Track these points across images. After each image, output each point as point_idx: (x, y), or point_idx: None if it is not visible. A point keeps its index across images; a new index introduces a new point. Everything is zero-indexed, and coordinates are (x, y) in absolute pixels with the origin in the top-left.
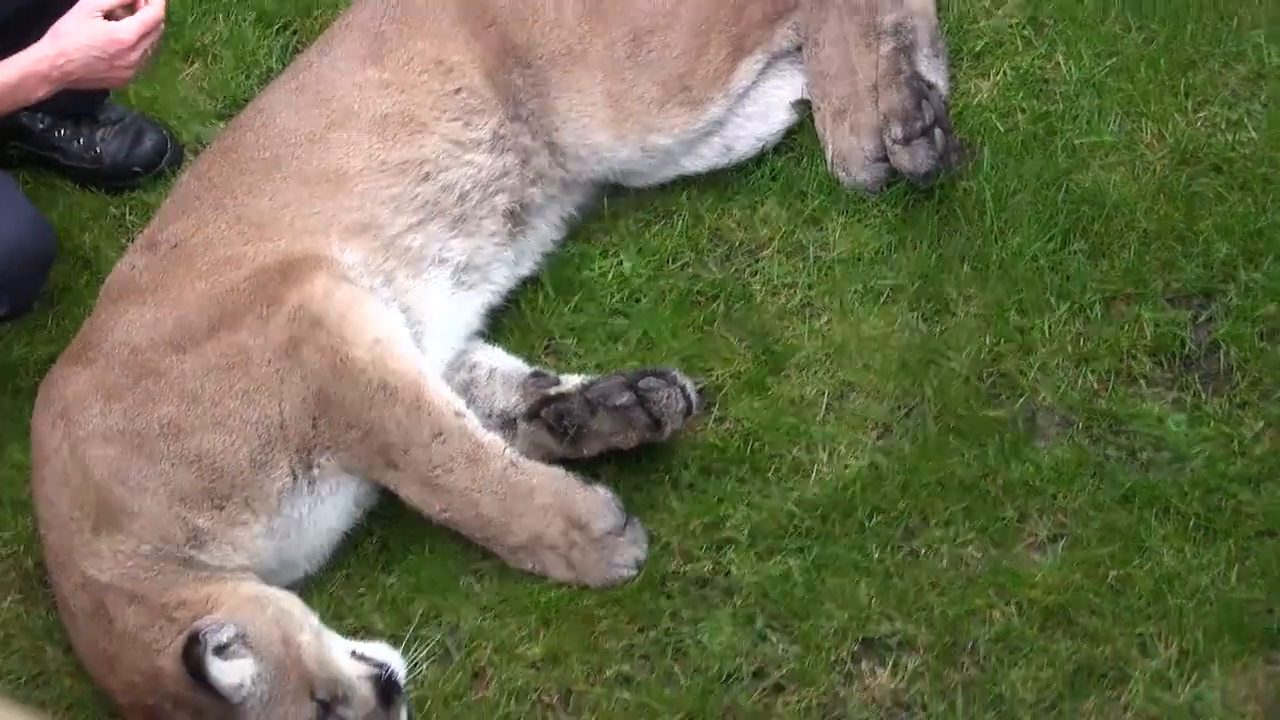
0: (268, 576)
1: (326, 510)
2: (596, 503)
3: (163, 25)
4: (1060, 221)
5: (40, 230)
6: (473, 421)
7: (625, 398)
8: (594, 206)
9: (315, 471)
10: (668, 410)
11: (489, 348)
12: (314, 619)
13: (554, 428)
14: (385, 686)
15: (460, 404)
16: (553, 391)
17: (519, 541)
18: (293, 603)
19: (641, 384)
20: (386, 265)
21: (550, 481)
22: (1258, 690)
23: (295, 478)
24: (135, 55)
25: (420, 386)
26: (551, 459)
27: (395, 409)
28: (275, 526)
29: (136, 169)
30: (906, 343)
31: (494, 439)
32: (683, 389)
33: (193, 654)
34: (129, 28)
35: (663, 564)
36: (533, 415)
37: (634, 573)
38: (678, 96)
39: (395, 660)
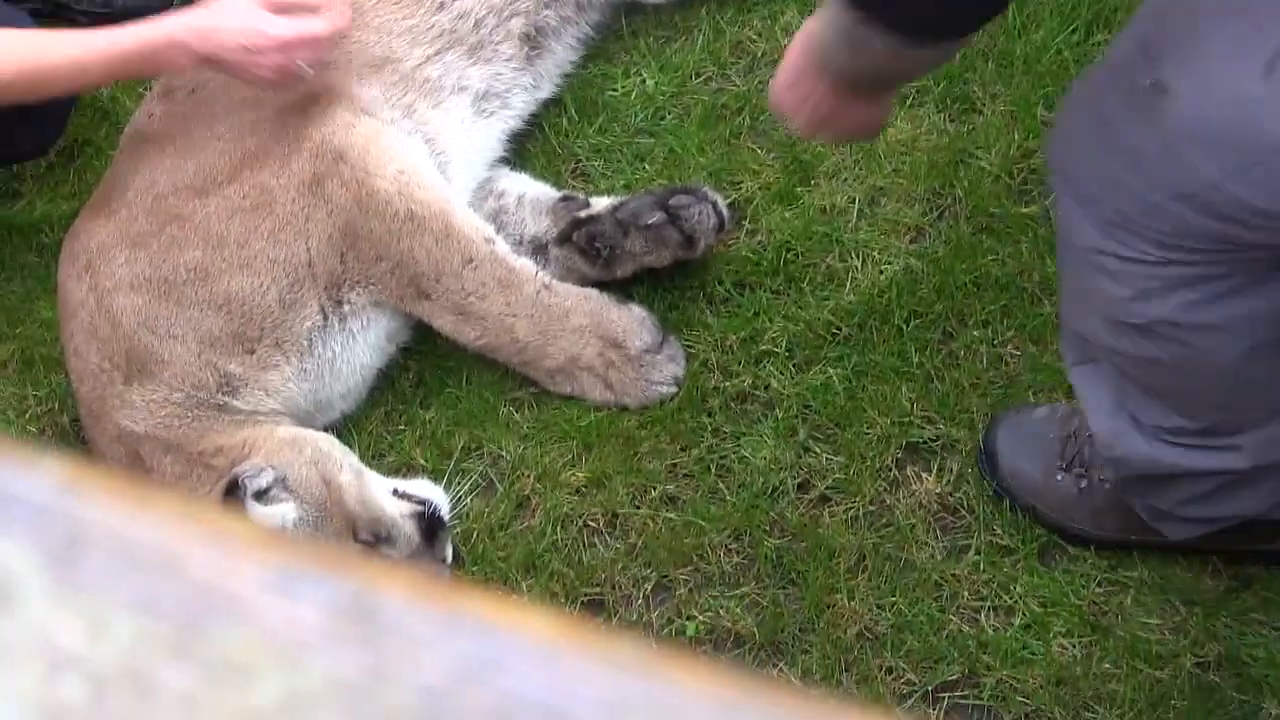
0: (304, 419)
1: (359, 347)
2: (632, 321)
3: (326, 42)
4: (1083, 14)
5: None
6: (503, 247)
7: (656, 216)
8: (612, 26)
9: (346, 308)
10: (700, 227)
11: (516, 174)
12: (354, 459)
13: (586, 250)
14: (430, 523)
15: (490, 230)
16: (583, 214)
17: (556, 364)
18: (331, 444)
19: (672, 202)
20: (406, 98)
21: (584, 302)
22: None
23: (326, 316)
24: (276, 59)
25: (448, 214)
26: (585, 281)
27: (424, 238)
28: (308, 368)
29: (151, 11)
30: (935, 144)
31: (525, 263)
32: (714, 204)
33: (233, 500)
34: (279, 26)
35: (701, 381)
36: (564, 239)
37: (673, 390)
38: None
39: (438, 496)
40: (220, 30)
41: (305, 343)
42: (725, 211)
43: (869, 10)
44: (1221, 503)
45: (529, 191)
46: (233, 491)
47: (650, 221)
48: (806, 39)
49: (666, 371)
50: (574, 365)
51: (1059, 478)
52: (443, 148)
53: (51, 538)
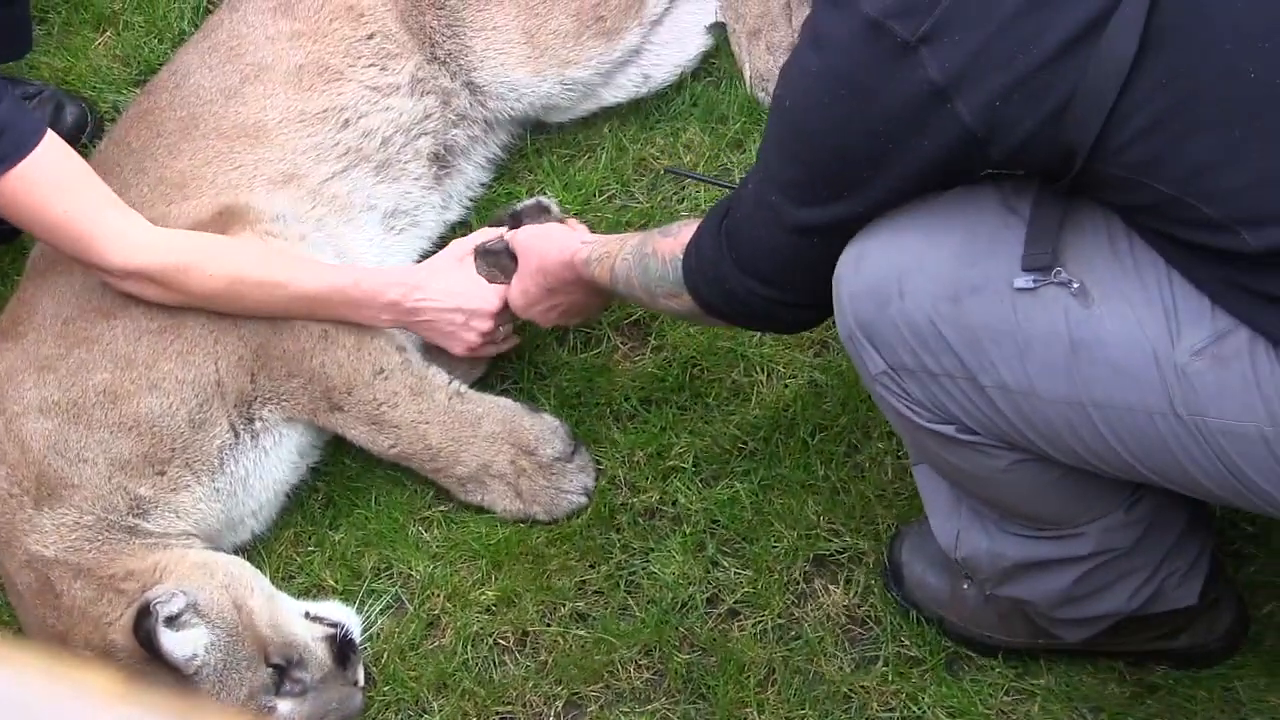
0: (215, 539)
1: (270, 464)
2: (544, 429)
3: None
4: None
5: None
6: (414, 355)
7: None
8: (518, 145)
9: (257, 425)
10: None
11: None
12: (265, 582)
13: None
14: (341, 646)
15: (401, 339)
16: None
17: (468, 471)
18: (243, 567)
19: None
20: (315, 212)
21: (497, 409)
22: None
23: (237, 434)
24: (490, 325)
25: (359, 329)
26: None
27: (336, 353)
28: (220, 486)
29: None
30: None
31: (437, 370)
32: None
33: (144, 627)
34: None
35: (609, 497)
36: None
37: (583, 500)
38: (593, 28)
39: (349, 618)
40: (428, 293)
41: (216, 461)
42: (555, 209)
43: (712, 312)
44: (1093, 602)
45: None
46: (144, 617)
47: (489, 246)
48: (570, 267)
49: (577, 481)
50: (485, 473)
51: (965, 586)
52: (355, 262)
53: None
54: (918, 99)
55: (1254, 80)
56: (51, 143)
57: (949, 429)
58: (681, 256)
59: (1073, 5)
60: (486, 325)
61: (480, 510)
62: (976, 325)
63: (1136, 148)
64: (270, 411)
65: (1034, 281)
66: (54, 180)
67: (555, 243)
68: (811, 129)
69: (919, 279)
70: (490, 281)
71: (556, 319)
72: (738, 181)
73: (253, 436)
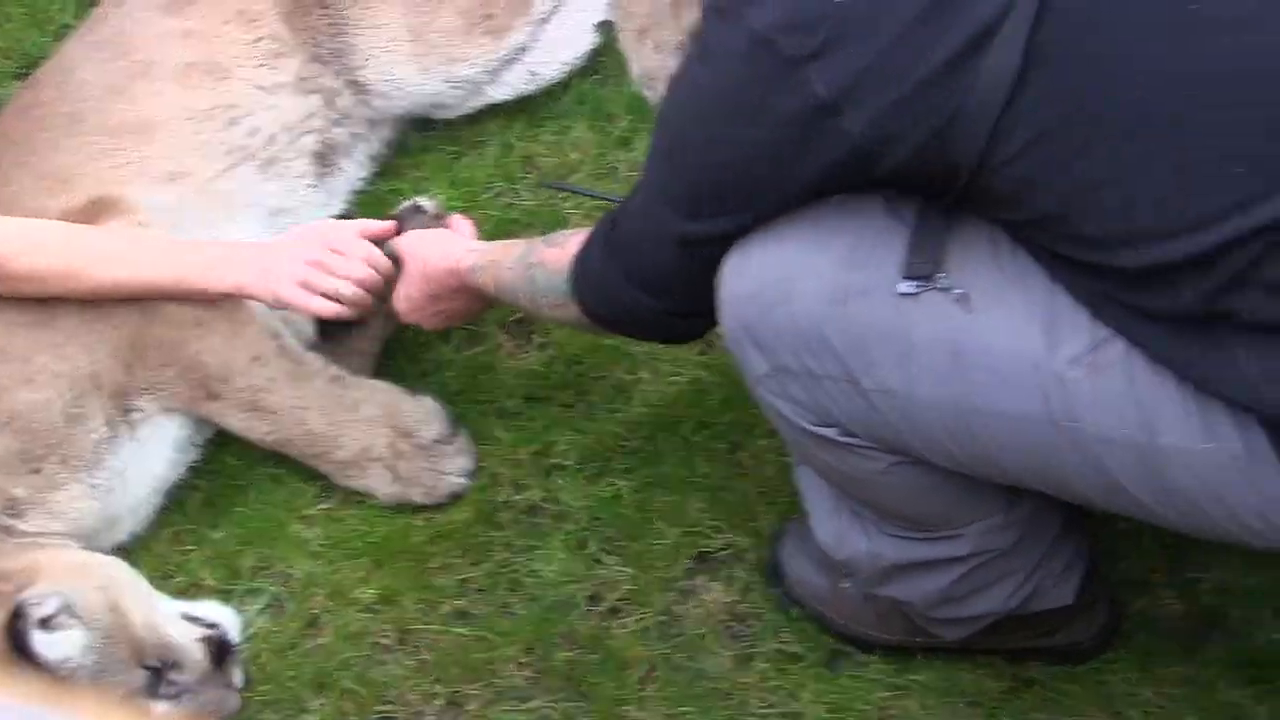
0: (92, 538)
1: (148, 458)
2: (424, 411)
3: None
4: None
5: None
6: (290, 341)
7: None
8: (403, 142)
9: (134, 416)
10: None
11: None
12: (142, 582)
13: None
14: (219, 647)
15: (277, 325)
16: None
17: (347, 456)
18: (119, 567)
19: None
20: (201, 211)
21: (375, 393)
22: None
23: (113, 426)
24: (300, 277)
25: (234, 314)
26: (369, 364)
27: (212, 340)
28: (97, 483)
29: None
30: None
31: (314, 356)
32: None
33: (16, 629)
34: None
35: (492, 494)
36: (322, 326)
37: (463, 482)
38: (480, 25)
39: (227, 619)
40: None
41: (93, 457)
42: (431, 208)
43: (599, 322)
44: (971, 602)
45: None
46: (17, 619)
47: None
48: (454, 275)
49: (456, 463)
50: (365, 456)
51: (845, 585)
52: None
53: None
54: (805, 114)
55: (1134, 100)
56: None
57: (830, 432)
58: (569, 267)
59: (958, 22)
60: (313, 250)
61: (363, 506)
62: (860, 329)
63: (1019, 164)
64: (147, 403)
65: (917, 287)
66: None
67: (440, 249)
68: (697, 143)
69: (804, 282)
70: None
71: (441, 324)
72: (618, 193)
73: (130, 429)
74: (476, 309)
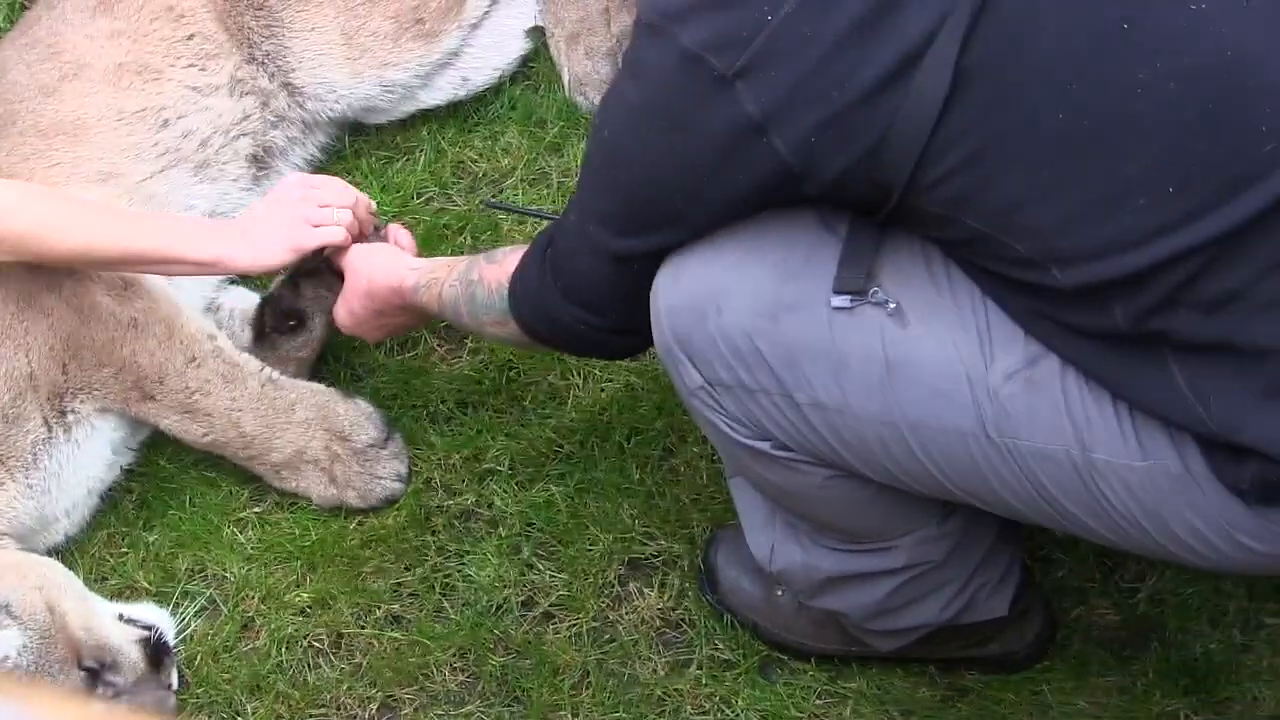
0: (28, 539)
1: (84, 459)
2: (358, 414)
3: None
4: None
5: None
6: (226, 343)
7: (314, 262)
8: (336, 146)
9: (70, 418)
10: None
11: (232, 289)
12: (78, 583)
13: (280, 326)
14: (155, 648)
15: (213, 328)
16: (260, 298)
17: (282, 458)
18: (54, 568)
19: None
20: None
21: (310, 395)
22: None
23: (50, 427)
24: (302, 218)
25: (170, 318)
26: (305, 368)
27: (147, 341)
28: (33, 483)
29: None
30: None
31: (249, 358)
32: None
33: None
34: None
35: (425, 499)
36: (260, 332)
37: (398, 486)
38: (412, 30)
39: (163, 620)
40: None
41: (30, 457)
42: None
43: (539, 339)
44: (906, 614)
45: (240, 305)
46: None
47: (310, 267)
48: (398, 294)
49: (391, 467)
50: (299, 459)
51: (779, 593)
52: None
53: None
54: (734, 132)
55: (1062, 120)
56: None
57: (764, 445)
58: (507, 285)
59: (887, 43)
60: (294, 193)
61: (297, 509)
62: (793, 343)
63: (949, 184)
64: (82, 403)
65: (851, 301)
66: None
67: (382, 267)
68: (628, 160)
69: (737, 295)
70: (315, 305)
71: (382, 336)
72: (556, 211)
73: (65, 430)
74: (418, 324)
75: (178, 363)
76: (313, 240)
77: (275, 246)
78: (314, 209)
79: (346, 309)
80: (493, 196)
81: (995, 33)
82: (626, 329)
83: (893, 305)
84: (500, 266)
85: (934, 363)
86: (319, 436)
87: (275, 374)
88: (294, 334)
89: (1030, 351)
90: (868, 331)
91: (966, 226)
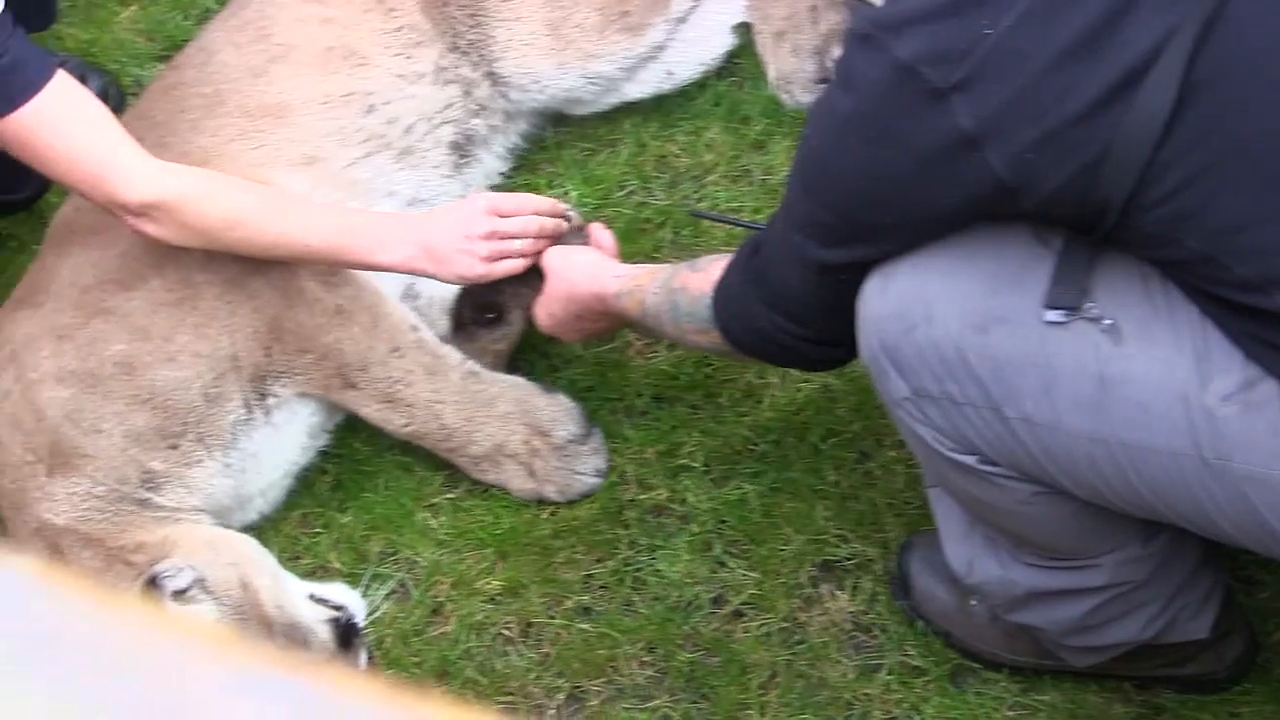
0: (224, 516)
1: (281, 441)
2: (559, 410)
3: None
4: None
5: None
6: (428, 334)
7: None
8: (538, 136)
9: (270, 401)
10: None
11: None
12: (272, 562)
13: (478, 318)
14: (345, 629)
15: (415, 319)
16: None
17: (482, 451)
18: (250, 545)
19: None
20: (336, 196)
21: (511, 390)
22: None
23: (250, 409)
24: (481, 252)
25: (375, 306)
26: (502, 360)
27: (351, 329)
28: (231, 462)
29: None
30: None
31: (451, 350)
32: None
33: (150, 599)
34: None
35: (618, 493)
36: (459, 323)
37: (597, 481)
38: (617, 22)
39: (354, 602)
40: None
41: (229, 437)
42: (575, 217)
43: (741, 349)
44: (1105, 631)
45: (440, 293)
46: (151, 590)
47: None
48: (600, 300)
49: (590, 463)
50: (499, 453)
51: (973, 603)
52: None
53: (20, 636)
54: (948, 146)
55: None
56: (65, 80)
57: (970, 459)
58: (710, 294)
59: (1110, 58)
60: (478, 249)
61: (489, 496)
62: (1003, 356)
63: (1169, 204)
64: (283, 387)
65: (1065, 316)
66: (69, 116)
67: (586, 272)
68: (837, 171)
69: (946, 305)
70: (514, 300)
71: (580, 339)
72: (761, 219)
73: (265, 412)
74: (617, 328)
75: (381, 352)
76: (489, 276)
77: (450, 270)
78: (495, 244)
79: (546, 311)
80: (695, 195)
81: (1224, 50)
82: (829, 340)
83: (1108, 321)
84: (704, 275)
85: (1148, 381)
86: (519, 431)
87: (476, 367)
88: (492, 327)
89: (1249, 374)
90: (1081, 347)
91: (1186, 247)
